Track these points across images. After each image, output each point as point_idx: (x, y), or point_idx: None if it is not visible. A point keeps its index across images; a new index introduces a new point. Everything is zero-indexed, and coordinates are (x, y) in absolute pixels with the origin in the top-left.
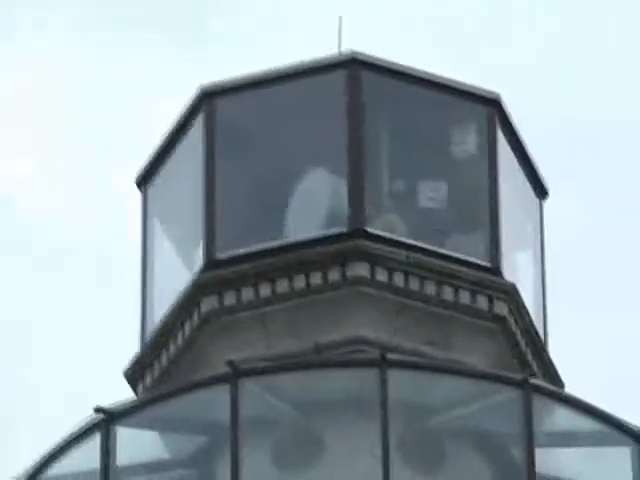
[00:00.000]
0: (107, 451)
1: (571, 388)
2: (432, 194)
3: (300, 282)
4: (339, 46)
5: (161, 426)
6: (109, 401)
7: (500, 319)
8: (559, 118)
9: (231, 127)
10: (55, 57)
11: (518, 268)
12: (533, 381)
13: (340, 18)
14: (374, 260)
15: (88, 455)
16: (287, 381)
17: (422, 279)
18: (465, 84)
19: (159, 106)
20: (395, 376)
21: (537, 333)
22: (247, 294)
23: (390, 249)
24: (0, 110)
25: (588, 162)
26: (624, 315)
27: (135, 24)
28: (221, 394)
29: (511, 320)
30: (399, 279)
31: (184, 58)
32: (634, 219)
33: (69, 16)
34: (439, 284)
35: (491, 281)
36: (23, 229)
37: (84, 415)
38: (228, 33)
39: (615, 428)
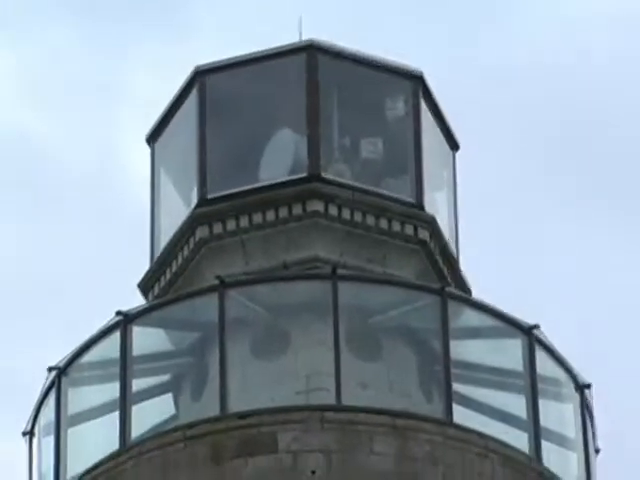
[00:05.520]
0: (125, 344)
1: (477, 294)
2: (371, 148)
3: (271, 215)
4: (300, 35)
5: (166, 325)
6: (127, 306)
7: (423, 243)
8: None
9: (218, 97)
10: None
11: (436, 204)
12: (448, 289)
13: (300, 17)
14: (327, 198)
15: (111, 347)
16: (261, 290)
17: (364, 213)
18: (396, 63)
19: (158, 82)
20: (343, 286)
21: (451, 253)
22: (230, 225)
23: (339, 190)
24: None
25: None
26: (518, 240)
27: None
28: (211, 300)
29: (431, 244)
30: (346, 213)
31: (178, 45)
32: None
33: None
34: (376, 216)
35: (416, 214)
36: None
37: (108, 317)
38: (213, 24)
39: (510, 324)
